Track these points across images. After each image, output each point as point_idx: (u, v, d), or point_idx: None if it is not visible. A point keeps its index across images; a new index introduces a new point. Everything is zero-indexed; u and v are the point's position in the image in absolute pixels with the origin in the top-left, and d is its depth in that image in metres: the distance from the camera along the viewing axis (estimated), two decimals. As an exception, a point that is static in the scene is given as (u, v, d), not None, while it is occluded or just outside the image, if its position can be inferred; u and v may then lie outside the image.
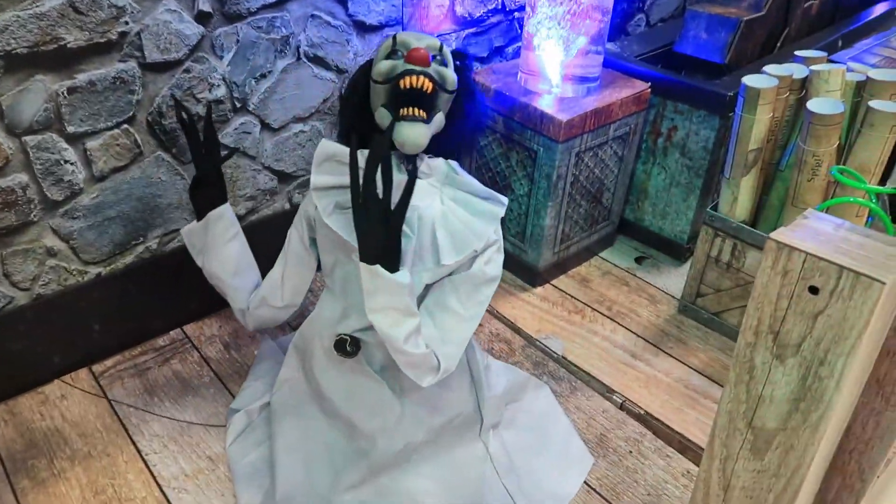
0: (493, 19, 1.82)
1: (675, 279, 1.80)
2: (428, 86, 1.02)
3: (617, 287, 1.78)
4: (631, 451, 1.33)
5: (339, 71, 1.57)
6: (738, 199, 1.50)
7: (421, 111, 1.03)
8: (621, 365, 1.53)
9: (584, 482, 1.27)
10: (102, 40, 1.20)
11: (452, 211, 1.09)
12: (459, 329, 1.08)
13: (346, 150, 1.06)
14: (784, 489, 0.84)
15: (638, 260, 1.89)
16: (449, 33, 1.74)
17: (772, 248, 0.74)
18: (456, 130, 1.12)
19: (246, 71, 1.42)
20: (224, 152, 1.29)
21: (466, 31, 1.78)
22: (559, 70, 1.61)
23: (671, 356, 1.56)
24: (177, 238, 1.49)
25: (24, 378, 1.39)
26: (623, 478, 1.28)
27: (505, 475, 1.23)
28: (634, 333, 1.62)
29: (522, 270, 1.79)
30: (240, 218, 1.56)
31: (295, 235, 1.20)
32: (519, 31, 1.91)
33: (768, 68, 1.42)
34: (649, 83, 1.70)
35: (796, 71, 1.43)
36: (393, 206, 0.96)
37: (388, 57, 1.06)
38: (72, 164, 1.27)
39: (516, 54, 1.92)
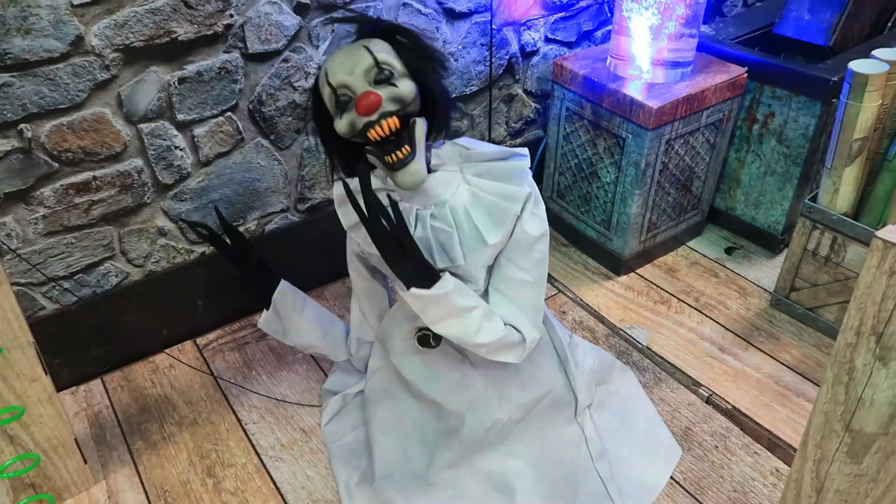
0: (583, 2, 1.80)
1: (767, 271, 1.74)
2: (395, 124, 0.97)
3: (705, 278, 1.74)
4: (717, 446, 1.31)
5: (429, 58, 1.59)
6: (840, 190, 1.43)
7: (404, 148, 0.99)
8: (708, 358, 1.50)
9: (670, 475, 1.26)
10: (210, 33, 1.27)
11: (479, 187, 1.07)
12: (530, 294, 1.09)
13: (354, 183, 1.04)
14: (883, 494, 0.82)
15: (728, 250, 1.83)
16: (537, 18, 1.74)
17: (878, 247, 0.71)
18: (435, 107, 1.05)
19: (340, 60, 1.46)
20: (253, 234, 1.32)
21: (555, 16, 1.77)
22: (650, 55, 1.58)
23: (762, 351, 1.52)
24: (273, 220, 1.56)
25: (136, 348, 1.51)
26: (708, 473, 1.26)
27: (598, 460, 1.23)
28: (723, 326, 1.59)
29: (607, 258, 1.77)
30: (332, 202, 1.62)
31: (354, 274, 1.26)
32: (609, 14, 1.87)
33: (878, 52, 1.34)
34: (745, 68, 1.64)
35: (910, 55, 1.34)
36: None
37: (337, 107, 1.00)
38: (181, 149, 1.36)
39: (605, 38, 1.89)
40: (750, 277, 1.74)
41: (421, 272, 1.00)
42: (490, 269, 1.11)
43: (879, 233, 0.71)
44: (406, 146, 0.99)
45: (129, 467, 1.29)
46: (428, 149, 1.07)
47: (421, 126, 1.01)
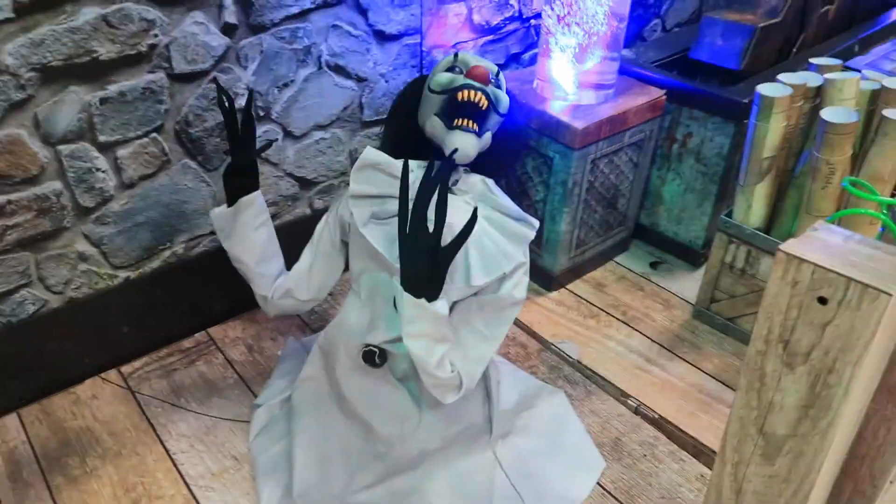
0: (510, 27, 1.85)
1: (689, 284, 1.82)
2: (484, 102, 1.07)
3: (632, 292, 1.80)
4: (645, 455, 1.35)
5: (360, 79, 1.60)
6: (753, 206, 1.51)
7: (474, 123, 1.07)
8: (636, 369, 1.55)
9: (600, 485, 1.29)
10: (133, 52, 1.25)
11: (485, 231, 1.10)
12: (482, 348, 1.12)
13: (391, 160, 1.09)
14: (794, 494, 0.86)
15: (653, 265, 1.91)
16: (466, 41, 1.77)
17: (781, 260, 0.76)
18: (500, 150, 1.16)
19: (269, 80, 1.46)
20: (262, 143, 1.32)
21: (484, 39, 1.81)
22: (575, 77, 1.64)
23: (686, 361, 1.58)
24: (202, 243, 1.53)
25: (57, 378, 1.44)
26: (638, 481, 1.30)
27: (517, 480, 1.26)
28: (649, 338, 1.64)
29: (538, 275, 1.81)
30: (263, 223, 1.60)
31: (326, 234, 1.21)
32: (536, 37, 1.93)
33: (782, 77, 1.44)
34: (665, 90, 1.72)
35: (810, 79, 1.44)
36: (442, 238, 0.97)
37: (447, 70, 1.11)
38: (103, 171, 1.32)
39: (533, 61, 1.94)
40: (674, 290, 1.81)
41: (431, 286, 1.00)
42: (453, 304, 1.12)
43: (783, 246, 0.75)
44: (476, 123, 1.08)
45: (47, 504, 1.23)
46: (460, 172, 1.13)
47: (488, 137, 1.12)
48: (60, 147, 1.25)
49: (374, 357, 1.16)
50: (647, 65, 1.86)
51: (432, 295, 1.00)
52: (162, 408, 1.42)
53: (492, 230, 1.11)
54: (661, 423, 1.41)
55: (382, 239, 1.08)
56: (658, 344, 1.63)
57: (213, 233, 1.53)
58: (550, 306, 1.75)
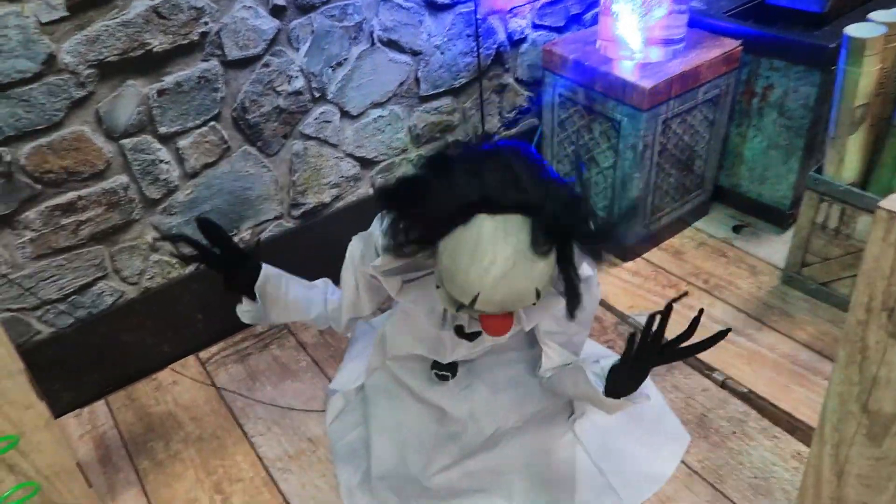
0: (570, -14, 1.76)
1: (777, 248, 1.70)
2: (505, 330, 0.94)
3: (713, 258, 1.70)
4: (735, 432, 1.27)
5: (414, 53, 1.56)
6: (845, 159, 1.38)
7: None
8: (721, 341, 1.45)
9: (686, 464, 1.22)
10: (185, 42, 1.25)
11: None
12: (578, 340, 1.16)
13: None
14: (907, 477, 0.78)
15: (736, 229, 1.79)
16: (523, 5, 1.69)
17: (882, 218, 0.67)
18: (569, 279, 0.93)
19: (322, 60, 1.43)
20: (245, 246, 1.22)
21: (541, 2, 1.73)
22: (640, 34, 1.53)
23: (776, 330, 1.47)
24: (267, 228, 1.54)
25: (139, 366, 1.49)
26: (727, 460, 1.22)
27: (598, 456, 1.21)
28: (734, 307, 1.54)
29: (612, 245, 1.73)
30: (326, 206, 1.59)
31: (350, 283, 1.14)
32: (598, -5, 1.83)
33: (874, 15, 1.29)
34: (740, 40, 1.59)
35: (910, 14, 1.29)
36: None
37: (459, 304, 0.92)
38: (166, 163, 1.33)
39: (595, 21, 1.84)
40: (760, 255, 1.69)
41: (640, 377, 0.99)
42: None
43: (883, 202, 0.67)
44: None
45: (135, 488, 1.27)
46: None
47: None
48: (123, 141, 1.27)
49: (448, 378, 1.18)
50: (719, 14, 1.73)
51: (638, 381, 1.00)
52: (238, 392, 1.44)
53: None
54: (750, 398, 1.32)
55: (422, 302, 1.06)
56: (744, 313, 1.53)
57: (277, 217, 1.54)
58: (626, 277, 1.67)
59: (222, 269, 1.10)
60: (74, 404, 1.43)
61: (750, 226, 1.79)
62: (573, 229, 0.86)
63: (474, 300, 0.85)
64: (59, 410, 1.41)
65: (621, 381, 0.98)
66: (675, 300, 0.91)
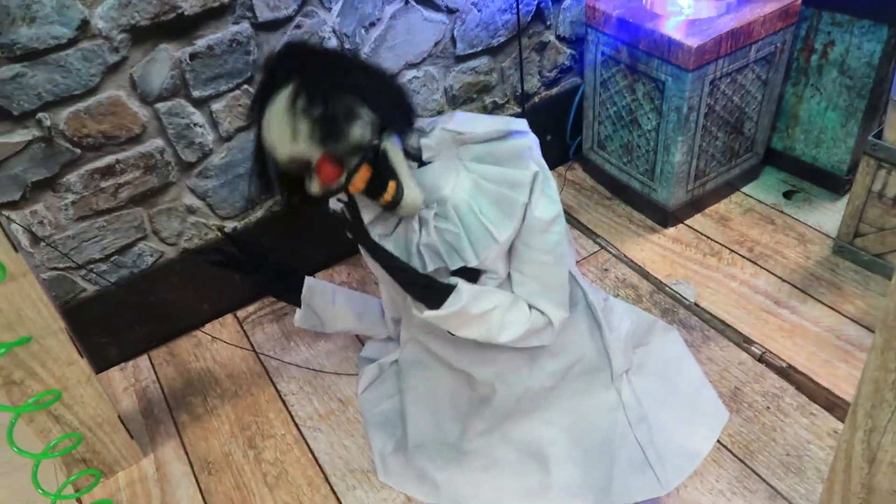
0: (618, -65, 1.66)
1: (830, 216, 1.61)
2: (367, 174, 0.92)
3: (760, 226, 1.62)
4: (769, 407, 1.23)
5: (450, 11, 1.51)
6: (909, 123, 1.29)
7: (389, 186, 0.93)
8: (762, 312, 1.41)
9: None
10: (216, 4, 1.24)
11: (481, 173, 0.99)
12: (552, 274, 1.03)
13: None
14: (940, 470, 0.74)
15: (787, 194, 1.70)
16: (567, -43, 1.62)
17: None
18: (387, 115, 0.95)
19: (355, 21, 1.41)
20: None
21: (587, -47, 1.64)
22: (691, -13, 1.45)
23: (822, 303, 1.41)
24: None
25: (179, 324, 1.54)
26: (759, 435, 1.19)
27: (636, 425, 1.18)
28: (779, 277, 1.48)
29: (652, 210, 1.68)
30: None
31: (375, 270, 1.17)
32: (647, -55, 1.73)
33: (952, -38, 1.18)
34: (800, -8, 1.48)
35: None
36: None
37: (300, 173, 0.93)
38: (200, 126, 1.34)
39: (645, -28, 1.75)
40: (811, 223, 1.61)
41: (433, 291, 0.98)
42: (509, 252, 1.05)
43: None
44: (390, 182, 0.93)
45: (174, 440, 1.33)
46: (417, 140, 1.00)
47: (394, 151, 0.94)
48: (158, 105, 1.28)
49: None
50: (780, -37, 1.61)
51: (439, 295, 0.98)
52: (273, 351, 1.48)
53: (486, 168, 0.99)
54: (788, 373, 1.28)
55: (402, 249, 1.05)
56: (789, 284, 1.46)
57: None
58: (666, 244, 1.62)
59: (262, 276, 1.21)
60: (119, 358, 1.50)
61: (802, 191, 1.70)
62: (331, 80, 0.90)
63: (274, 153, 0.92)
64: (104, 364, 1.47)
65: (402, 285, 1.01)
66: None
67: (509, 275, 1.06)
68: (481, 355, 1.15)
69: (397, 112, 0.96)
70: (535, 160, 0.97)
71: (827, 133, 1.62)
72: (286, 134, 0.89)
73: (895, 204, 1.36)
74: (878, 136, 1.35)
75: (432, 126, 1.01)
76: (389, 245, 1.05)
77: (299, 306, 1.21)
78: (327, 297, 1.24)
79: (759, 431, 1.20)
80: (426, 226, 1.01)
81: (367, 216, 1.06)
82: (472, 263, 0.99)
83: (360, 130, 0.90)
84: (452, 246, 1.01)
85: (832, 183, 1.67)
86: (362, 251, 1.06)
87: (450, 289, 0.98)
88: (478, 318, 1.00)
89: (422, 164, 1.01)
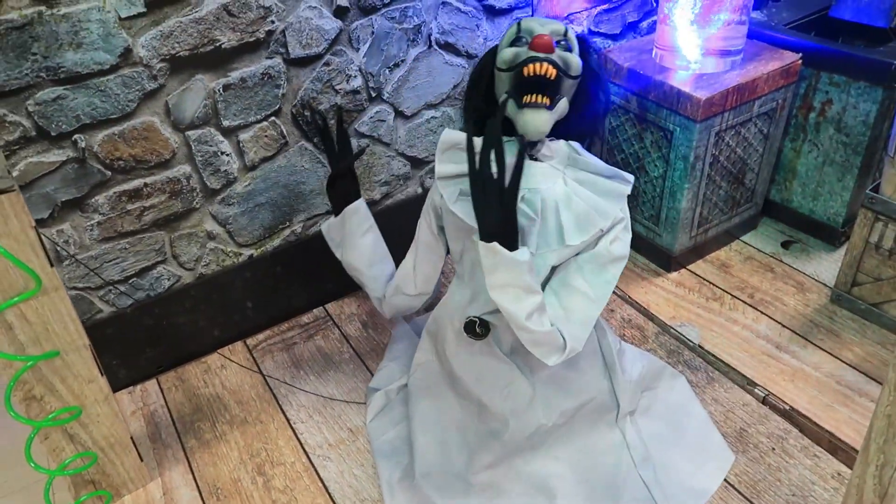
0: (627, -6, 1.76)
1: (827, 266, 1.67)
2: (551, 72, 1.00)
3: (760, 273, 1.68)
4: (774, 449, 1.26)
5: (469, 56, 1.58)
6: (905, 178, 1.36)
7: (544, 97, 1.02)
8: (764, 356, 1.45)
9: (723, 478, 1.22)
10: (252, 39, 1.30)
11: (576, 192, 1.08)
12: (585, 309, 1.07)
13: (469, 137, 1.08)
14: (952, 503, 0.77)
15: (785, 244, 1.77)
16: (580, 12, 1.70)
17: (943, 240, 0.67)
18: (581, 115, 1.10)
19: (380, 61, 1.47)
20: (356, 150, 1.36)
21: (599, 9, 1.73)
22: (698, 44, 1.53)
23: (821, 349, 1.45)
24: (319, 222, 1.58)
25: (190, 349, 1.55)
26: (765, 476, 1.22)
27: (641, 465, 1.21)
28: (779, 323, 1.53)
29: (657, 255, 1.73)
30: (375, 203, 1.63)
31: (423, 225, 1.22)
32: (654, 4, 1.82)
33: (945, 32, 1.27)
34: (800, 54, 1.57)
35: (980, 33, 1.26)
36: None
37: (512, 44, 1.05)
38: (227, 155, 1.39)
39: (651, 29, 1.84)
40: (808, 272, 1.67)
41: (504, 232, 0.98)
42: (553, 270, 1.10)
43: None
44: (547, 97, 1.02)
45: (182, 465, 1.33)
46: (544, 141, 1.08)
47: (565, 103, 1.05)
48: (189, 132, 1.32)
49: (475, 327, 1.14)
50: (779, 27, 1.71)
51: (508, 240, 0.98)
52: (283, 379, 1.49)
53: (583, 190, 1.08)
54: (791, 415, 1.31)
55: (471, 212, 1.05)
56: (790, 329, 1.51)
57: (328, 212, 1.58)
58: (670, 287, 1.66)
59: (330, 153, 1.32)
60: (128, 381, 1.50)
61: (800, 242, 1.76)
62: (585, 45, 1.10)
63: (519, 25, 1.05)
64: (114, 386, 1.47)
65: (481, 210, 0.99)
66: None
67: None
68: (500, 387, 1.17)
69: (594, 115, 1.11)
70: (624, 209, 1.08)
71: (824, 187, 1.69)
72: (543, 21, 1.06)
73: (891, 255, 1.42)
74: (876, 189, 1.42)
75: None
76: (468, 206, 1.07)
77: (336, 214, 1.32)
78: (364, 224, 1.31)
79: (765, 472, 1.22)
80: None
81: (463, 164, 1.07)
82: (527, 253, 1.00)
83: (578, 66, 1.04)
84: (521, 229, 1.04)
85: (828, 234, 1.73)
86: (438, 185, 1.12)
87: (518, 242, 1.00)
88: (524, 287, 1.00)
89: (533, 158, 1.08)
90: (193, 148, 1.34)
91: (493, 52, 1.11)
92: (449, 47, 1.54)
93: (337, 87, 1.44)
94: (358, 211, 1.30)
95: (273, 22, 1.30)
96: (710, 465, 1.23)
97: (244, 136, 1.39)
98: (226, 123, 1.35)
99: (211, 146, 1.36)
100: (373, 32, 1.43)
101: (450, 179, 1.10)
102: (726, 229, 1.75)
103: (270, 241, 1.54)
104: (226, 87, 1.31)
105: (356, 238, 1.30)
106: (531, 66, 1.00)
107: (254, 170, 1.43)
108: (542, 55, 1.00)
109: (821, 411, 1.31)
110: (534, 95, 1.01)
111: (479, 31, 1.57)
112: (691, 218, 1.64)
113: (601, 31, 1.77)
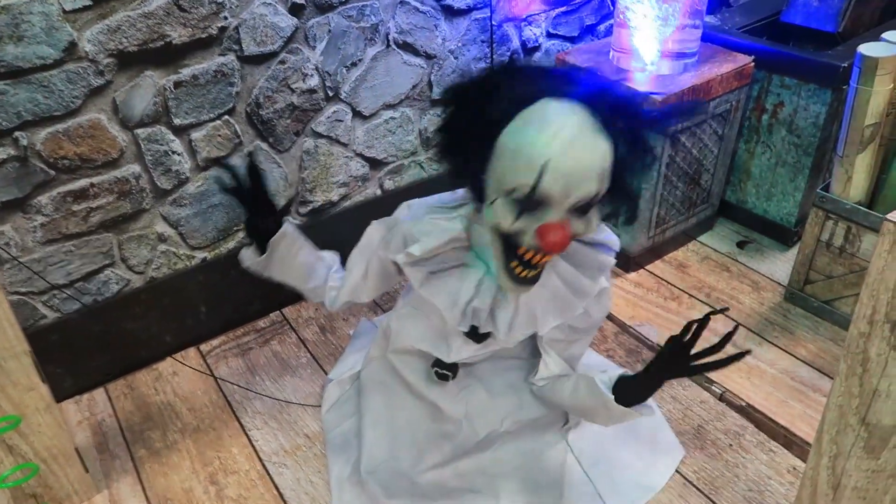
0: (585, -3, 1.77)
1: (781, 265, 1.70)
2: (549, 259, 0.91)
3: (717, 273, 1.70)
4: (731, 445, 1.27)
5: (428, 56, 1.57)
6: (853, 178, 1.39)
7: (537, 271, 0.92)
8: (720, 354, 1.46)
9: (682, 474, 1.22)
10: (204, 35, 1.26)
11: (555, 266, 1.00)
12: (578, 350, 1.16)
13: (440, 241, 0.99)
14: (903, 491, 0.78)
15: (740, 244, 1.79)
16: (538, 14, 1.71)
17: (889, 231, 0.68)
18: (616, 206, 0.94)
19: (337, 60, 1.45)
20: (247, 162, 1.14)
21: (557, 11, 1.74)
22: (654, 46, 1.55)
23: (776, 346, 1.48)
24: (275, 224, 1.55)
25: (140, 355, 1.49)
26: (722, 472, 1.22)
27: (589, 464, 1.21)
28: (735, 321, 1.54)
29: (616, 255, 1.73)
30: (333, 204, 1.61)
31: (375, 261, 1.12)
32: (612, 7, 1.84)
33: (888, 35, 1.30)
34: (752, 56, 1.60)
35: (922, 36, 1.30)
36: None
37: (518, 201, 0.86)
38: (178, 154, 1.35)
39: (609, 32, 1.86)
40: (763, 271, 1.69)
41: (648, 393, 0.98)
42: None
43: (890, 215, 0.67)
44: (541, 269, 0.93)
45: (131, 476, 1.28)
46: None
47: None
48: (138, 131, 1.28)
49: (448, 378, 1.16)
50: (733, 31, 1.74)
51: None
52: (237, 385, 1.45)
53: (560, 263, 1.00)
54: (748, 412, 1.33)
55: (444, 295, 1.03)
56: (745, 327, 1.53)
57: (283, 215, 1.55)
58: (628, 287, 1.67)
59: (249, 209, 1.11)
60: (74, 390, 1.44)
61: (754, 242, 1.79)
62: (628, 116, 0.88)
63: (540, 175, 0.82)
64: (59, 396, 1.41)
65: (635, 389, 0.98)
66: (714, 313, 0.91)
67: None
68: (455, 390, 1.16)
69: (620, 212, 0.95)
70: (607, 277, 1.05)
71: (777, 187, 1.72)
72: (574, 176, 0.82)
73: (841, 253, 1.45)
74: (826, 189, 1.45)
75: None
76: (437, 286, 1.02)
77: (261, 247, 1.12)
78: (294, 246, 1.14)
79: (723, 468, 1.23)
80: (484, 291, 1.01)
81: (431, 240, 1.00)
82: (500, 336, 1.01)
83: (593, 228, 0.90)
84: (493, 313, 1.02)
85: (781, 234, 1.77)
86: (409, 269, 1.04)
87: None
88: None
89: None
90: (143, 147, 1.30)
91: (484, 83, 0.90)
92: (407, 47, 1.53)
93: (293, 86, 1.42)
94: (285, 236, 1.12)
95: (226, 18, 1.27)
96: (660, 461, 1.24)
97: (196, 134, 1.35)
98: (177, 122, 1.31)
99: (161, 145, 1.32)
100: (329, 31, 1.41)
101: (415, 262, 1.03)
102: (683, 230, 1.77)
103: (224, 243, 1.50)
104: (177, 85, 1.28)
105: (288, 260, 1.15)
106: (530, 254, 0.89)
107: (207, 169, 1.40)
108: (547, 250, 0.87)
109: (776, 407, 1.33)
110: (524, 270, 0.91)
111: (437, 32, 1.56)
112: (649, 218, 1.65)
113: (559, 33, 1.78)
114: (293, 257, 1.15)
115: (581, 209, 0.87)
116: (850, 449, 0.80)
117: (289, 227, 1.13)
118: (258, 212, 1.11)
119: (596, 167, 0.84)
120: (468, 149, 0.90)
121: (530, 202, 0.85)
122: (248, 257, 1.15)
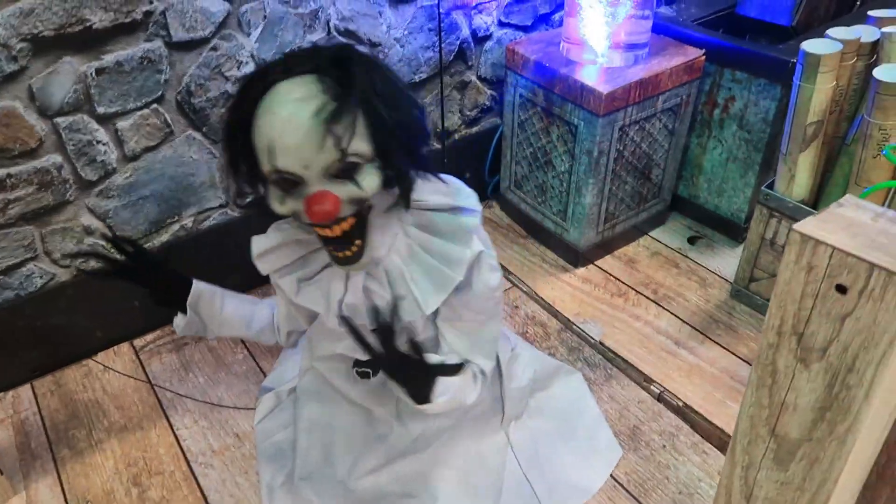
0: (538, -15, 1.73)
1: (729, 261, 1.69)
2: (349, 226, 0.86)
3: (666, 269, 1.68)
4: (665, 446, 1.26)
5: (373, 45, 1.53)
6: (796, 176, 1.37)
7: (355, 245, 0.88)
8: (663, 352, 1.45)
9: (612, 476, 1.21)
10: (127, 20, 1.21)
11: (420, 241, 0.96)
12: (486, 330, 1.04)
13: (281, 237, 0.99)
14: (810, 503, 0.76)
15: (691, 240, 1.78)
16: (489, 1, 1.67)
17: (795, 241, 0.65)
18: (401, 175, 0.87)
19: (275, 47, 1.40)
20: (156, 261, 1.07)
21: (508, -1, 1.70)
22: (604, 38, 1.51)
23: (718, 344, 1.46)
24: (212, 216, 1.50)
25: (70, 351, 1.45)
26: (654, 474, 1.21)
27: (527, 466, 1.20)
28: (680, 319, 1.53)
29: (564, 250, 1.71)
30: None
31: (281, 299, 1.11)
32: (566, -3, 1.80)
33: (833, 31, 1.28)
34: (703, 50, 1.57)
35: (865, 34, 1.28)
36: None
37: (278, 186, 0.84)
38: (104, 144, 1.29)
39: (563, 22, 1.82)
40: (712, 268, 1.68)
41: (429, 382, 0.95)
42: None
43: (797, 225, 0.65)
44: (357, 241, 0.88)
45: (51, 476, 1.24)
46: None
47: (376, 212, 0.89)
48: (58, 119, 1.22)
49: (370, 375, 1.13)
50: (687, 23, 1.71)
51: (427, 386, 0.95)
52: (170, 382, 1.41)
53: (426, 237, 0.96)
54: (684, 412, 1.31)
55: (321, 299, 1.00)
56: (689, 325, 1.51)
57: (221, 206, 1.50)
58: (576, 283, 1.65)
59: (142, 283, 1.04)
60: None
61: (705, 237, 1.78)
62: (363, 75, 0.82)
63: (271, 156, 0.80)
64: (-19, 393, 1.37)
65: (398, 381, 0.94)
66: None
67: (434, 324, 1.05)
68: (381, 391, 1.13)
69: (405, 185, 0.88)
70: (478, 239, 0.96)
71: (728, 183, 1.71)
72: (304, 149, 0.79)
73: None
74: (771, 186, 1.43)
75: None
76: (311, 293, 0.99)
77: (184, 312, 1.07)
78: (216, 302, 1.10)
79: (655, 470, 1.22)
80: (354, 286, 0.98)
81: (290, 255, 1.00)
82: (451, 381, 0.98)
83: (374, 187, 0.83)
84: (379, 309, 0.98)
85: (732, 230, 1.75)
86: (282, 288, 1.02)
87: (431, 386, 0.95)
88: (458, 398, 0.99)
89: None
90: (64, 136, 1.24)
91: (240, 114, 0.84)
92: (350, 35, 1.48)
93: (227, 74, 1.36)
94: (201, 296, 1.07)
95: (151, 2, 1.22)
96: (597, 461, 1.23)
97: (123, 123, 1.29)
98: (101, 110, 1.26)
99: (84, 134, 1.26)
100: (265, 16, 1.36)
101: (280, 271, 1.01)
102: (634, 224, 1.75)
103: (157, 236, 1.46)
104: (99, 71, 1.22)
105: (217, 317, 1.10)
106: (322, 231, 0.86)
107: (136, 160, 1.34)
108: (328, 223, 0.84)
109: (713, 407, 1.32)
110: (342, 252, 0.88)
111: (382, 19, 1.51)
112: (597, 213, 1.63)
113: (512, 22, 1.74)
114: (219, 312, 1.10)
115: (342, 174, 0.82)
116: (761, 460, 0.78)
117: (199, 285, 1.07)
118: (157, 282, 1.05)
119: (320, 133, 0.79)
120: (246, 162, 0.86)
121: (285, 183, 0.84)
122: (181, 325, 1.09)
